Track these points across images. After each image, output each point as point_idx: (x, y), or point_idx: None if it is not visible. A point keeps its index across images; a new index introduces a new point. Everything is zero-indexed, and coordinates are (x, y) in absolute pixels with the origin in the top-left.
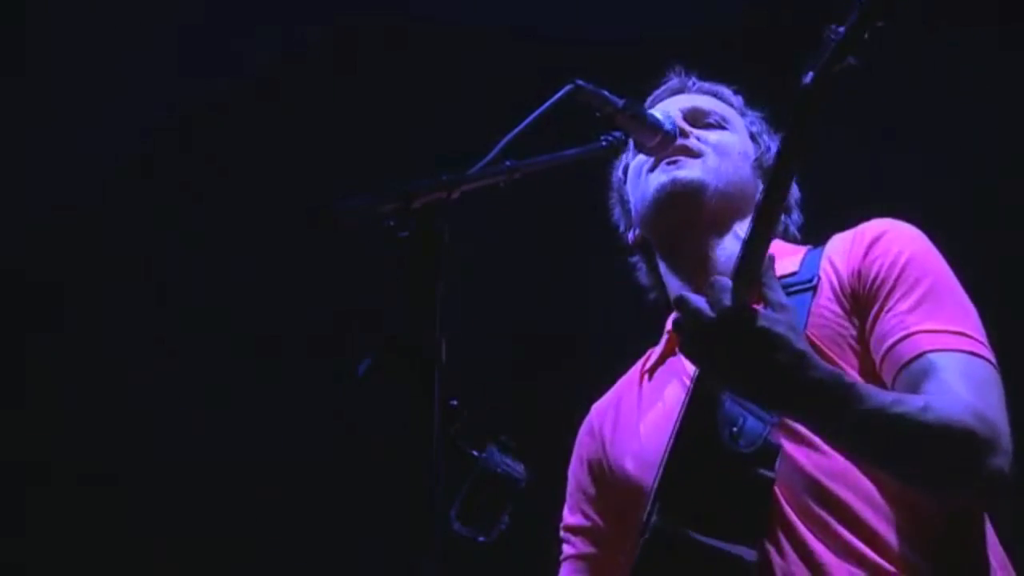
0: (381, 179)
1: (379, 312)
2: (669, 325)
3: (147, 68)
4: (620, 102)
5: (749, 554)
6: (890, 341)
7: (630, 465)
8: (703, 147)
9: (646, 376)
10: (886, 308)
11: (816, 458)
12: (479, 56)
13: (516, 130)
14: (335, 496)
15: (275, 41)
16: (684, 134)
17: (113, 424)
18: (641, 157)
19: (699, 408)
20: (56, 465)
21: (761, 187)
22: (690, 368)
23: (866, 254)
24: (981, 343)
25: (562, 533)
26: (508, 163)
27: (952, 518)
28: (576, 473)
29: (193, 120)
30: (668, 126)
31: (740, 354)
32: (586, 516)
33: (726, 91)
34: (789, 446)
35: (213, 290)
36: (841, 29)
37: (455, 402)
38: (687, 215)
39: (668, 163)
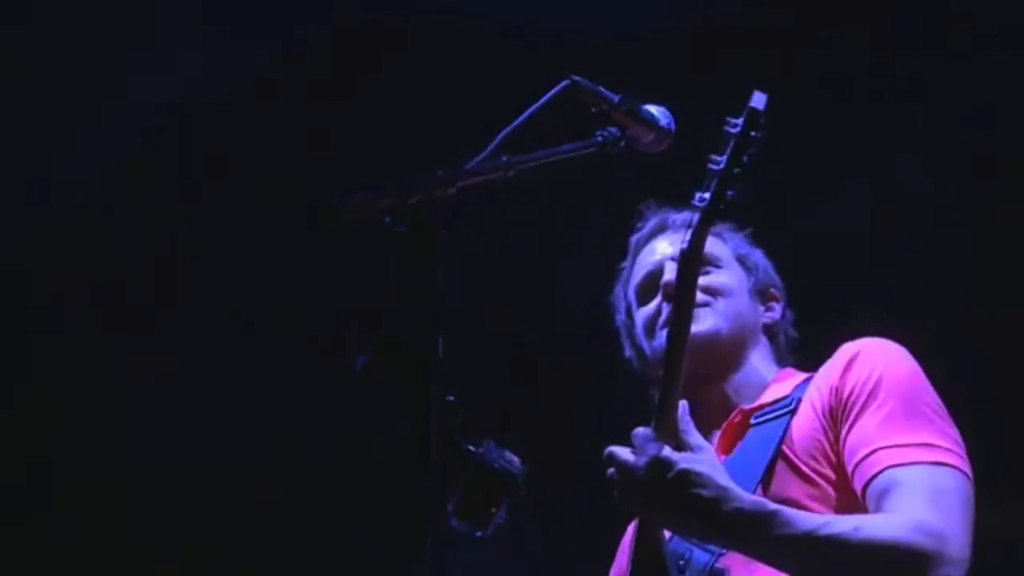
0: (381, 179)
1: (379, 312)
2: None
3: (147, 68)
4: (616, 97)
5: None
6: (857, 458)
7: None
8: (706, 297)
9: None
10: (856, 425)
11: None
12: (479, 56)
13: (512, 125)
14: (334, 491)
15: (275, 41)
16: None
17: (113, 424)
18: (648, 309)
19: (646, 549)
20: (56, 466)
21: (761, 309)
22: None
23: (843, 373)
24: (949, 451)
25: None
26: (504, 158)
27: None
28: None
29: (193, 120)
30: (664, 123)
31: (669, 495)
32: None
33: None
34: (738, 570)
35: (213, 290)
36: (706, 195)
37: (452, 398)
38: (706, 366)
39: None
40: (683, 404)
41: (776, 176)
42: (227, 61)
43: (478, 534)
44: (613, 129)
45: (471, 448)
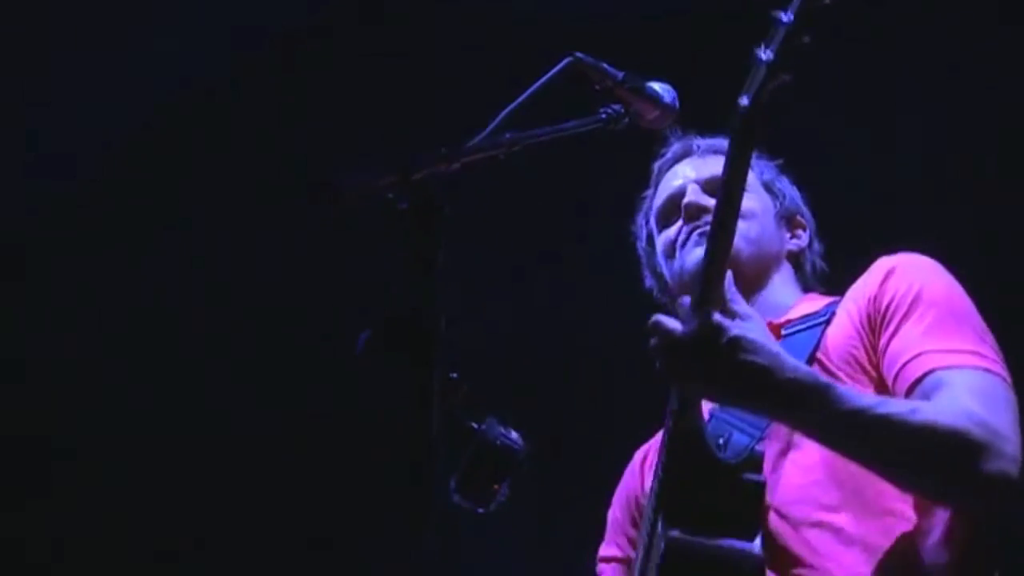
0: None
1: (379, 311)
2: None
3: (144, 59)
4: (619, 74)
5: (756, 547)
6: (901, 361)
7: None
8: None
9: None
10: (899, 333)
11: (801, 469)
12: (478, 46)
13: (516, 102)
14: (335, 487)
15: (274, 39)
16: (706, 210)
17: (113, 422)
18: (669, 232)
19: (684, 426)
20: (55, 465)
21: (787, 236)
22: None
23: (882, 283)
24: (994, 360)
25: (598, 565)
26: (508, 135)
27: (951, 524)
28: (615, 508)
29: (194, 108)
30: (668, 99)
31: (719, 362)
32: (620, 547)
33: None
34: (774, 455)
35: (213, 290)
36: (769, 51)
37: (455, 375)
38: None
39: (700, 235)
40: (728, 275)
41: (775, 153)
42: (226, 56)
43: (480, 511)
44: (617, 106)
45: (473, 424)
